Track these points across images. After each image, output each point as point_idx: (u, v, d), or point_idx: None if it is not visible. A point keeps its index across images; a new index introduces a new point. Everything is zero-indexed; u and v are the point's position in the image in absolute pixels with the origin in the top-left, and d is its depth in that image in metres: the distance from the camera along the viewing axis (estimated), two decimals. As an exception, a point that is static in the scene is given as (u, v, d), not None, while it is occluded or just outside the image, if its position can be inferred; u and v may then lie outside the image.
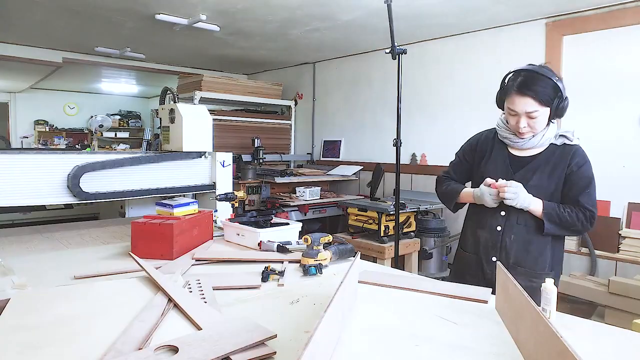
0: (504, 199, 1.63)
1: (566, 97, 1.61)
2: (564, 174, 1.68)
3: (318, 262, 1.73)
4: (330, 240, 1.94)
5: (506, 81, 1.71)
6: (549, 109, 1.60)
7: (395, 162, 2.99)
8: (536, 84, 1.59)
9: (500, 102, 1.74)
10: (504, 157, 1.78)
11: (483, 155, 1.85)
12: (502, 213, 1.74)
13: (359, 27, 4.11)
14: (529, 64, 1.68)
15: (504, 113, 1.77)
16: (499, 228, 1.74)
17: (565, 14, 3.54)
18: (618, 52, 3.30)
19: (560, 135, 1.70)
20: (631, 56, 3.24)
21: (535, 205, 1.64)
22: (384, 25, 2.94)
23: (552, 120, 1.68)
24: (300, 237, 2.34)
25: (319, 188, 4.78)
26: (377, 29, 4.12)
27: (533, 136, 1.68)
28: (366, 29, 4.16)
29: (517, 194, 1.61)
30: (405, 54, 2.83)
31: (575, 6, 3.40)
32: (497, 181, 1.67)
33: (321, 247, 1.85)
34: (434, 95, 4.46)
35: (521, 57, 3.78)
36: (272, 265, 1.74)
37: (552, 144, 1.71)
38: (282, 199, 4.55)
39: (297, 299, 1.46)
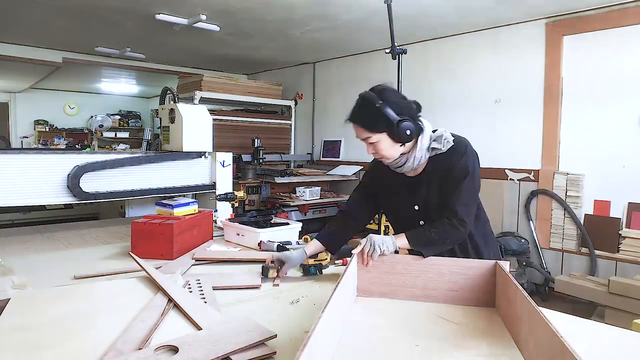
0: (372, 258, 1.45)
1: (401, 120, 1.45)
2: (450, 177, 1.55)
3: (318, 262, 1.73)
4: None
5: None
6: (384, 134, 1.48)
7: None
8: (360, 110, 1.53)
9: None
10: (399, 184, 1.65)
11: (383, 184, 1.71)
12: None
13: (359, 27, 4.11)
14: (374, 87, 1.57)
15: None
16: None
17: (565, 14, 3.54)
18: (618, 52, 3.30)
19: (432, 148, 1.56)
20: (631, 56, 3.24)
21: (401, 241, 1.50)
22: (384, 25, 2.94)
23: (417, 140, 1.53)
24: (300, 237, 2.35)
25: (319, 188, 4.78)
26: (377, 29, 4.12)
27: (406, 161, 1.54)
28: (366, 28, 4.16)
29: (374, 246, 1.45)
30: (405, 53, 2.83)
31: (576, 6, 3.40)
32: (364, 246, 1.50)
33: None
34: (434, 95, 4.46)
35: (521, 57, 3.78)
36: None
37: (435, 154, 1.57)
38: (282, 199, 4.55)
39: (297, 299, 1.46)
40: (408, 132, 1.47)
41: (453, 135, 1.60)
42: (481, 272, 1.41)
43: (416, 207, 1.62)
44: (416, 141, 1.53)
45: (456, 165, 1.53)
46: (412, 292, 1.46)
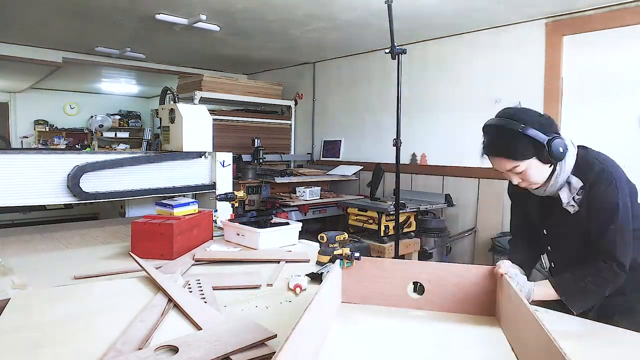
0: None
1: (550, 140, 1.32)
2: (584, 205, 1.37)
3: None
4: (346, 239, 1.93)
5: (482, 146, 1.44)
6: (533, 159, 1.35)
7: (395, 162, 2.99)
8: (502, 140, 1.36)
9: None
10: (534, 202, 1.51)
11: (523, 206, 1.58)
12: (552, 265, 1.57)
13: (359, 27, 4.10)
14: (499, 113, 1.41)
15: None
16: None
17: (565, 14, 3.54)
18: (618, 52, 3.30)
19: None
20: (631, 56, 3.24)
21: (543, 291, 1.32)
22: (384, 25, 2.94)
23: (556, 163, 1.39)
24: (300, 238, 2.35)
25: (319, 188, 4.78)
26: (377, 29, 4.12)
27: (549, 182, 1.40)
28: (366, 28, 4.16)
29: (518, 281, 1.32)
30: (405, 53, 2.83)
31: (576, 6, 3.40)
32: None
33: (337, 244, 1.84)
34: (434, 95, 4.46)
35: (521, 57, 3.78)
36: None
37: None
38: (282, 199, 4.55)
39: (298, 299, 1.46)
40: (561, 149, 1.33)
41: (593, 154, 1.45)
42: (479, 278, 1.34)
43: (545, 232, 1.49)
44: (553, 172, 1.39)
45: (596, 192, 1.35)
46: (402, 298, 1.38)
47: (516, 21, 3.79)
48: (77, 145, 9.09)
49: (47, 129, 9.27)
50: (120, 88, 9.12)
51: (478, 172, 4.09)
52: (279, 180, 4.59)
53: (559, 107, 3.58)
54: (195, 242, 2.17)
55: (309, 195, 4.59)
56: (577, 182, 1.38)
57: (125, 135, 9.98)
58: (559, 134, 1.37)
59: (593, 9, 3.39)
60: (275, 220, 2.41)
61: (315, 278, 1.63)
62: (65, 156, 2.38)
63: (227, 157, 2.99)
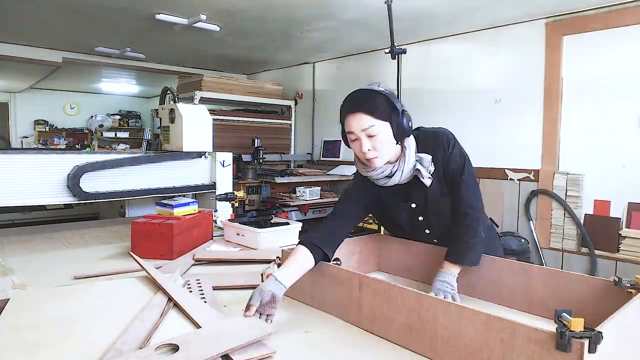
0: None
1: (404, 111, 1.43)
2: (439, 170, 1.51)
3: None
4: None
5: (341, 110, 1.51)
6: (388, 124, 1.42)
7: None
8: (365, 98, 1.44)
9: (345, 137, 1.52)
10: (391, 194, 1.58)
11: (369, 192, 1.60)
12: (427, 231, 1.64)
13: (359, 27, 4.10)
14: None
15: (355, 160, 1.59)
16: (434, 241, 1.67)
17: (565, 14, 3.54)
18: (618, 52, 3.30)
19: (416, 169, 1.49)
20: (631, 56, 3.24)
21: (454, 270, 1.44)
22: (384, 25, 2.94)
23: (402, 143, 1.48)
24: (300, 237, 2.35)
25: (319, 188, 4.78)
26: (377, 29, 4.12)
27: (392, 175, 1.49)
28: (366, 28, 4.16)
29: (442, 291, 1.39)
30: (405, 53, 2.84)
31: (576, 6, 3.40)
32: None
33: None
34: (434, 94, 4.46)
35: (521, 57, 3.78)
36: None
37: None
38: (282, 199, 4.55)
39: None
40: (410, 123, 1.45)
41: (425, 128, 1.58)
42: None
43: (413, 205, 1.58)
44: (402, 153, 1.49)
45: (447, 155, 1.50)
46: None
47: (516, 21, 3.79)
48: (77, 145, 9.09)
49: (47, 129, 9.27)
50: (120, 88, 9.12)
51: (477, 172, 4.07)
52: (279, 180, 4.59)
53: (559, 107, 3.58)
54: (195, 242, 2.17)
55: (309, 195, 4.59)
56: (426, 156, 1.50)
57: (125, 135, 9.97)
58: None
59: (593, 9, 3.39)
60: (275, 220, 2.41)
61: None
62: (65, 156, 2.38)
63: (227, 157, 2.99)
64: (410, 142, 1.50)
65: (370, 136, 1.42)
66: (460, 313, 1.00)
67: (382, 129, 1.42)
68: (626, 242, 3.28)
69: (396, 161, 1.49)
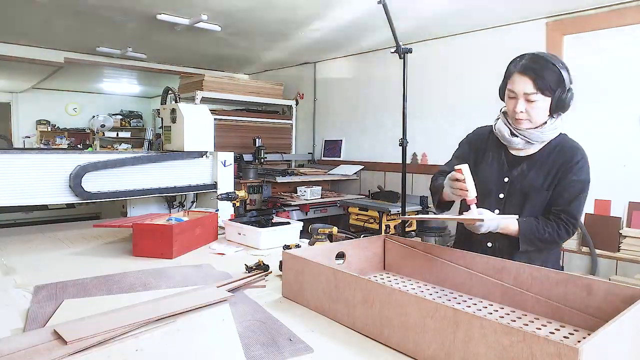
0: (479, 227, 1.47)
1: (570, 89, 1.49)
2: (559, 174, 1.56)
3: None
4: (333, 232, 1.95)
5: (510, 65, 1.62)
6: (549, 98, 1.49)
7: (395, 162, 3.00)
8: (539, 66, 1.49)
9: (503, 90, 1.66)
10: (499, 156, 1.67)
11: (477, 154, 1.75)
12: (496, 212, 1.64)
13: (359, 26, 4.11)
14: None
15: (501, 111, 1.71)
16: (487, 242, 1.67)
17: (565, 14, 3.54)
18: (619, 51, 3.30)
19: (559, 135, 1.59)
20: (632, 55, 3.24)
21: (507, 225, 1.51)
22: (385, 24, 2.95)
23: (554, 115, 1.54)
24: (301, 237, 2.36)
25: (320, 187, 4.78)
26: (377, 29, 4.13)
27: (529, 142, 1.59)
28: (367, 28, 4.16)
29: (484, 223, 1.45)
30: (411, 52, 2.84)
31: (576, 6, 3.40)
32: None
33: (321, 237, 1.87)
34: (434, 94, 4.46)
35: (522, 57, 3.78)
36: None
37: (552, 140, 1.60)
38: (283, 199, 4.55)
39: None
40: (571, 102, 1.50)
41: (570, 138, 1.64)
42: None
43: (506, 179, 1.62)
44: (546, 125, 1.55)
45: (576, 166, 1.55)
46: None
47: (516, 21, 3.80)
48: (79, 145, 9.10)
49: (49, 129, 9.30)
50: (121, 88, 9.14)
51: (479, 171, 4.09)
52: (280, 179, 4.60)
53: (560, 107, 3.58)
54: (197, 242, 2.18)
55: (310, 194, 4.60)
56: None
57: (127, 135, 10.00)
58: None
59: (593, 9, 3.39)
60: (276, 219, 2.42)
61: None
62: (67, 156, 2.39)
63: (229, 156, 3.00)
64: (559, 122, 1.55)
65: (529, 101, 1.50)
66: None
67: (543, 101, 1.49)
68: (627, 242, 3.28)
69: (538, 128, 1.55)
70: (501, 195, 1.63)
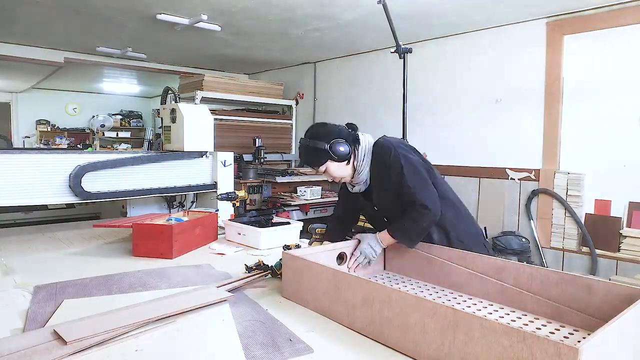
0: (361, 264, 1.70)
1: (331, 144, 1.64)
2: (384, 179, 1.71)
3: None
4: None
5: None
6: (328, 161, 1.68)
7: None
8: (303, 157, 1.76)
9: None
10: (359, 196, 1.83)
11: (352, 196, 1.90)
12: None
13: (359, 26, 4.11)
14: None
15: None
16: None
17: (566, 14, 3.54)
18: (619, 51, 3.30)
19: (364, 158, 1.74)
20: (632, 55, 3.24)
21: (385, 240, 1.68)
22: (385, 24, 2.95)
23: (356, 162, 1.73)
24: (301, 237, 2.36)
25: (320, 187, 4.78)
26: (377, 29, 4.12)
27: (353, 187, 1.78)
28: (367, 28, 4.16)
29: (363, 254, 1.68)
30: (411, 52, 2.84)
31: (576, 5, 3.40)
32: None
33: (319, 236, 1.88)
34: (434, 94, 4.46)
35: (522, 57, 3.78)
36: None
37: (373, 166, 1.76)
38: (283, 199, 4.55)
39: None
40: (342, 149, 1.66)
41: (379, 141, 1.78)
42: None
43: (375, 208, 1.81)
44: (355, 171, 1.73)
45: (388, 164, 1.67)
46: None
47: (517, 20, 3.79)
48: (78, 145, 9.09)
49: (49, 129, 9.29)
50: (121, 88, 9.13)
51: (478, 171, 4.09)
52: (280, 179, 4.60)
53: (560, 107, 3.58)
54: (197, 242, 2.18)
55: (310, 194, 4.59)
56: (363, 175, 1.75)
57: (127, 135, 9.99)
58: (348, 139, 1.70)
59: (594, 9, 3.39)
60: (276, 219, 2.42)
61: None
62: (67, 156, 2.39)
63: (229, 156, 3.00)
64: (361, 145, 1.73)
65: (325, 172, 1.73)
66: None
67: (326, 166, 1.70)
68: (627, 242, 3.28)
69: (354, 176, 1.75)
70: (385, 219, 1.81)
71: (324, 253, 1.60)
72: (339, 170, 1.72)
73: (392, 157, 1.67)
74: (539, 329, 1.23)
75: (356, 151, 1.72)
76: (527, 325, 1.26)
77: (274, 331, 1.19)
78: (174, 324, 1.23)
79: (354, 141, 1.72)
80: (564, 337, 1.18)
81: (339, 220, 1.99)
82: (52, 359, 1.02)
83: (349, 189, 1.82)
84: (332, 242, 1.83)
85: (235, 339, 1.14)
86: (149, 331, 1.18)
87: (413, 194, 1.62)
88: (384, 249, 1.71)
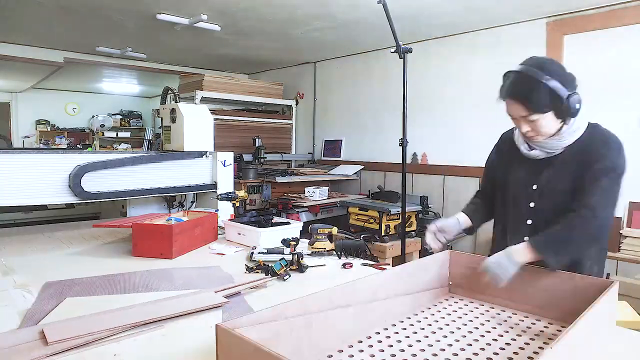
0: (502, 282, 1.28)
1: (570, 95, 1.34)
2: (584, 168, 1.42)
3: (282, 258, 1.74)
4: (332, 233, 1.95)
5: (502, 85, 1.50)
6: (550, 112, 1.37)
7: (396, 161, 3.00)
8: (525, 89, 1.39)
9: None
10: (525, 162, 1.55)
11: (506, 163, 1.64)
12: (529, 222, 1.53)
13: (359, 26, 4.10)
14: (528, 58, 1.47)
15: None
16: (525, 238, 1.42)
17: (566, 13, 3.53)
18: (619, 51, 3.30)
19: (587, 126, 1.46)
20: (632, 56, 3.23)
21: (524, 255, 1.30)
22: (385, 24, 2.94)
23: (566, 121, 1.42)
24: (302, 237, 2.36)
25: (327, 188, 4.74)
26: (377, 28, 4.12)
27: (548, 152, 1.48)
28: (367, 28, 4.16)
29: (497, 275, 1.27)
30: (411, 52, 2.84)
31: (576, 5, 3.40)
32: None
33: (321, 237, 1.87)
34: (435, 94, 4.46)
35: (522, 57, 3.76)
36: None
37: (580, 137, 1.47)
38: (293, 200, 4.51)
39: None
40: (577, 105, 1.36)
41: (602, 128, 1.53)
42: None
43: (534, 187, 1.51)
44: (561, 131, 1.43)
45: (601, 153, 1.41)
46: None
47: (517, 20, 3.79)
48: (78, 145, 9.09)
49: (49, 129, 9.29)
50: (121, 88, 9.12)
51: (479, 171, 4.08)
52: (280, 179, 4.59)
53: (560, 107, 3.58)
54: (197, 242, 2.17)
55: (318, 195, 4.55)
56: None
57: (127, 135, 9.98)
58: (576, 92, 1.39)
59: (594, 9, 3.38)
60: (276, 219, 2.41)
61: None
62: (67, 156, 2.39)
63: (228, 156, 3.00)
64: (577, 123, 1.44)
65: (530, 122, 1.41)
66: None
67: (543, 117, 1.39)
68: (627, 242, 3.27)
69: (554, 137, 1.44)
70: (532, 204, 1.52)
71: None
72: (550, 125, 1.40)
73: (610, 152, 1.41)
74: (517, 324, 1.25)
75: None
76: (506, 320, 1.28)
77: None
78: (161, 329, 1.21)
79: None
80: (540, 330, 1.21)
81: (485, 196, 1.73)
82: (30, 359, 1.01)
83: (522, 148, 1.51)
84: (472, 220, 1.64)
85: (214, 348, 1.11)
86: (134, 335, 1.17)
87: (588, 196, 1.35)
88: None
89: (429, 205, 4.25)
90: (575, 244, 1.34)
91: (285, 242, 1.96)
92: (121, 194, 2.54)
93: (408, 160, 4.63)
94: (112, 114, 9.91)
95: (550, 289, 1.29)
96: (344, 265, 1.83)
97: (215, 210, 2.50)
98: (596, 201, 1.35)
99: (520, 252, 1.30)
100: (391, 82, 4.74)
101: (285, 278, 1.63)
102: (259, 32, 4.38)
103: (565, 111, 1.37)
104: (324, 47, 4.96)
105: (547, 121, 1.40)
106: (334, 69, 5.56)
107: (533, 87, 1.36)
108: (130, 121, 10.25)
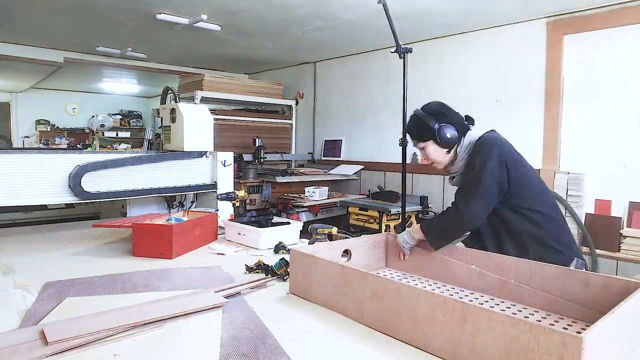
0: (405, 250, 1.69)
1: (441, 127, 1.66)
2: (469, 171, 1.71)
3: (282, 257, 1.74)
4: (332, 233, 1.95)
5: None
6: (431, 141, 1.71)
7: (395, 162, 2.99)
8: (409, 125, 1.80)
9: None
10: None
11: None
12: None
13: (359, 26, 4.10)
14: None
15: None
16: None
17: (566, 13, 3.53)
18: (619, 51, 3.30)
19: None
20: (632, 55, 3.23)
21: (419, 233, 1.65)
22: (385, 24, 2.94)
23: (457, 151, 1.73)
24: (301, 237, 2.36)
25: (327, 188, 4.75)
26: (378, 28, 4.12)
27: (456, 176, 1.78)
28: (367, 28, 4.16)
29: (402, 246, 1.68)
30: (411, 52, 2.84)
31: (576, 5, 3.40)
32: None
33: (321, 237, 1.87)
34: (434, 94, 4.42)
35: (522, 57, 3.78)
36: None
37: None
38: (293, 200, 4.51)
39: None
40: (449, 135, 1.66)
41: (484, 135, 1.75)
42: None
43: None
44: (454, 159, 1.74)
45: (474, 158, 1.66)
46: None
47: (517, 20, 3.79)
48: (78, 145, 9.08)
49: (49, 129, 9.28)
50: (121, 88, 9.12)
51: (479, 171, 4.08)
52: (280, 179, 4.59)
53: (560, 107, 3.58)
54: (197, 242, 2.17)
55: (318, 195, 4.55)
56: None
57: (127, 134, 9.98)
58: (459, 127, 1.71)
59: (594, 9, 3.38)
60: (276, 219, 2.41)
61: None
62: (67, 156, 2.39)
63: (228, 156, 3.00)
64: (463, 147, 1.72)
65: (421, 149, 1.77)
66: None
67: (429, 146, 1.73)
68: (627, 242, 3.28)
69: (453, 164, 1.76)
70: None
71: (329, 251, 1.61)
72: (436, 153, 1.74)
73: (480, 154, 1.65)
74: (539, 321, 1.25)
75: (462, 140, 1.72)
76: (527, 317, 1.26)
77: (260, 340, 1.15)
78: (160, 329, 1.21)
79: (463, 132, 1.72)
80: (563, 328, 1.20)
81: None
82: (30, 359, 1.01)
83: (448, 180, 1.85)
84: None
85: (215, 349, 1.10)
86: (134, 335, 1.16)
87: (458, 192, 1.66)
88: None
89: (429, 205, 4.25)
90: (448, 232, 1.61)
91: (277, 248, 2.03)
92: (121, 194, 2.54)
93: (408, 160, 4.63)
94: (112, 114, 9.91)
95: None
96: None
97: (215, 210, 2.50)
98: (458, 198, 1.65)
99: (417, 231, 1.66)
100: (391, 81, 4.74)
101: (285, 278, 1.63)
102: (258, 32, 4.38)
103: (442, 142, 1.68)
104: (324, 47, 4.96)
105: (433, 149, 1.73)
106: (333, 69, 5.56)
107: (414, 123, 1.77)
108: (130, 121, 10.25)
